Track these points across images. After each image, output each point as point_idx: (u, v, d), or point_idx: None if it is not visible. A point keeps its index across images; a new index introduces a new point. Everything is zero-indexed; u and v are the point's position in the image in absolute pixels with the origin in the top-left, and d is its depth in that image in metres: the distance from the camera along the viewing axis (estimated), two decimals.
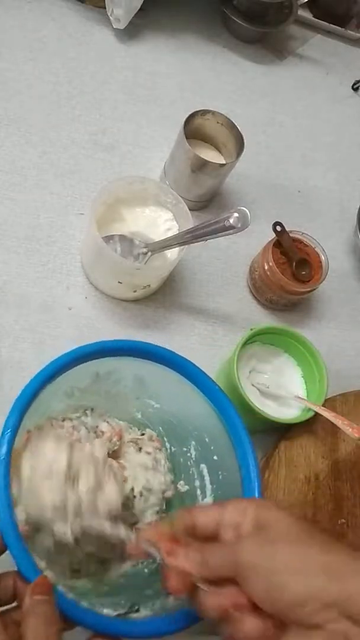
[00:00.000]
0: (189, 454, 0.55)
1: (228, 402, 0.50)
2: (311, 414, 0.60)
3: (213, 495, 0.52)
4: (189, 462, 0.55)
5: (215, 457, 0.52)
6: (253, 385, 0.63)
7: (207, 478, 0.53)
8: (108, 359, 0.49)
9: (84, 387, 0.52)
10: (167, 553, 0.38)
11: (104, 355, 0.49)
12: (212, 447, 0.52)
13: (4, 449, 0.41)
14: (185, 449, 0.55)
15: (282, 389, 0.63)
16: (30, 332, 0.61)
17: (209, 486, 0.53)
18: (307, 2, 0.91)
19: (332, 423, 0.58)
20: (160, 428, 0.56)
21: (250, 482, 0.47)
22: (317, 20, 0.95)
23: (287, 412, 0.62)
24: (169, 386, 0.52)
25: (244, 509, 0.38)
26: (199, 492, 0.53)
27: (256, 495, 0.46)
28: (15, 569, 0.39)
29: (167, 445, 0.56)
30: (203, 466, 0.53)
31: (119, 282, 0.62)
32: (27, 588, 0.37)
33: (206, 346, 0.67)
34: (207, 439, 0.53)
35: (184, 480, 0.54)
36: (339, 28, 0.95)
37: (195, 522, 0.39)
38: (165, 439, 0.56)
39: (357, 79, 0.94)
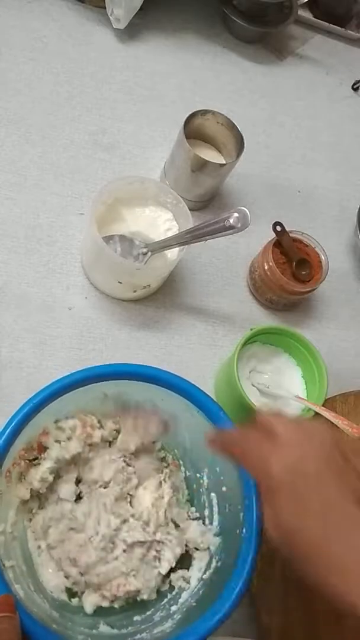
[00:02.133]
0: (201, 481, 0.54)
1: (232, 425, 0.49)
2: (311, 414, 0.60)
3: (219, 526, 0.52)
4: (201, 489, 0.55)
5: (224, 489, 0.52)
6: (253, 385, 0.63)
7: (215, 508, 0.53)
8: (115, 382, 0.49)
9: (97, 409, 0.53)
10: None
11: (110, 379, 0.49)
12: (222, 478, 0.52)
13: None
14: (198, 475, 0.55)
15: (282, 389, 0.63)
16: (30, 332, 0.61)
17: (216, 516, 0.53)
18: (307, 2, 0.91)
19: (332, 423, 0.58)
20: (176, 451, 0.56)
21: (251, 517, 0.46)
22: (317, 20, 0.95)
23: (287, 412, 0.62)
24: (180, 412, 0.51)
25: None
26: (207, 521, 0.53)
27: (254, 528, 0.46)
28: None
29: (183, 469, 0.56)
30: (213, 495, 0.53)
31: (119, 282, 0.62)
32: None
33: (206, 346, 0.67)
34: (218, 469, 0.52)
35: (196, 507, 0.55)
36: (339, 28, 0.95)
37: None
38: (180, 462, 0.56)
39: (357, 79, 0.94)
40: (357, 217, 0.78)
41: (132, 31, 0.82)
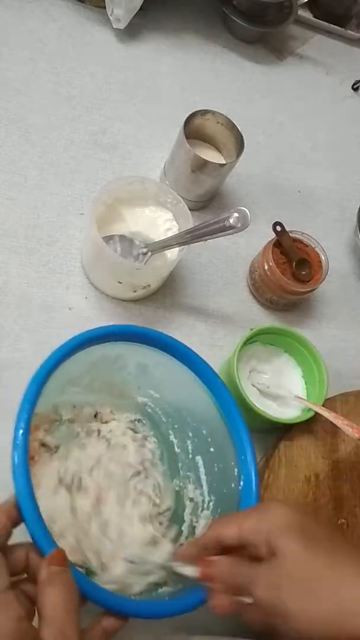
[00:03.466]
0: (186, 445, 0.56)
1: (228, 393, 0.51)
2: (311, 414, 0.60)
3: (208, 487, 0.53)
4: (183, 454, 0.56)
5: (212, 449, 0.53)
6: (253, 385, 0.63)
7: (201, 470, 0.54)
8: (115, 344, 0.50)
9: (87, 382, 0.53)
10: (201, 574, 0.42)
11: (111, 340, 0.50)
12: (209, 439, 0.53)
13: (21, 431, 0.42)
14: (182, 441, 0.56)
15: (282, 389, 0.63)
16: (30, 332, 0.61)
17: (203, 477, 0.54)
18: (307, 2, 0.91)
19: (332, 423, 0.58)
20: (164, 419, 0.57)
21: (248, 470, 0.49)
22: (317, 20, 0.95)
23: (287, 412, 0.62)
24: (171, 375, 0.53)
25: (257, 531, 0.40)
26: (190, 486, 0.54)
27: (253, 485, 0.48)
28: (29, 540, 0.40)
29: (172, 437, 0.57)
30: (198, 458, 0.54)
31: (119, 282, 0.62)
32: (43, 560, 0.38)
33: (206, 346, 0.67)
34: (204, 431, 0.53)
35: (182, 470, 0.55)
36: (339, 28, 0.96)
37: (220, 537, 0.42)
38: (170, 431, 0.57)
39: (357, 79, 0.94)
40: (357, 217, 0.78)
41: (132, 31, 0.83)
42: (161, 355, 0.52)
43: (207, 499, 0.52)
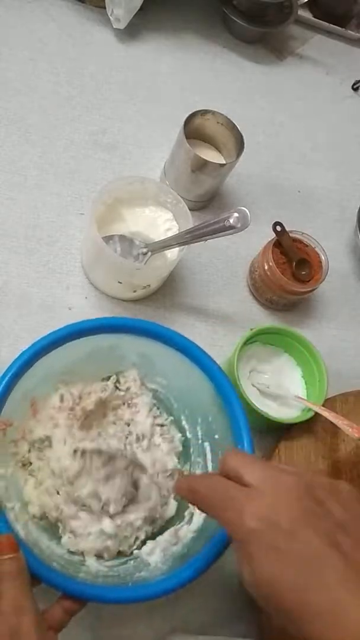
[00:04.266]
0: (196, 430, 0.56)
1: (226, 381, 0.51)
2: (311, 414, 0.60)
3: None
4: (194, 440, 0.57)
5: (216, 436, 0.54)
6: (253, 385, 0.63)
7: (208, 456, 0.55)
8: (107, 335, 0.51)
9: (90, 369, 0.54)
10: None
11: (102, 332, 0.51)
12: (213, 426, 0.54)
13: None
14: (193, 426, 0.57)
15: (282, 389, 0.63)
16: (30, 332, 0.61)
17: (210, 465, 0.55)
18: (307, 2, 0.91)
19: (332, 423, 0.58)
20: (175, 404, 0.57)
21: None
22: (317, 20, 0.95)
23: (287, 412, 0.62)
24: (173, 364, 0.54)
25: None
26: (199, 472, 0.55)
27: None
28: None
29: (184, 422, 0.57)
30: (206, 444, 0.55)
31: (119, 282, 0.62)
32: None
33: (206, 346, 0.65)
34: (210, 418, 0.54)
35: (193, 456, 0.56)
36: (339, 28, 0.95)
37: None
38: (182, 416, 0.57)
39: (357, 79, 0.94)
40: (357, 217, 0.78)
41: (132, 31, 0.82)
42: (159, 345, 0.52)
43: None
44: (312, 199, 0.81)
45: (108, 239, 0.62)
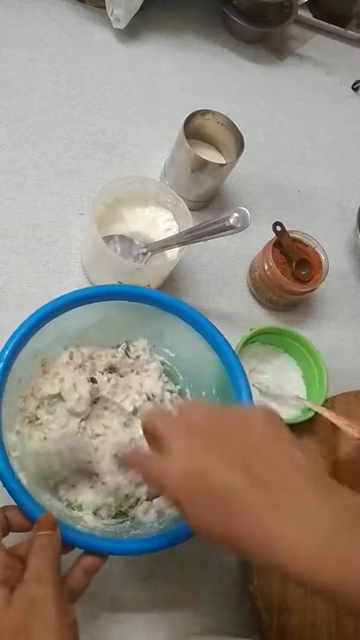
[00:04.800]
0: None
1: (233, 356, 0.52)
2: (311, 414, 0.60)
3: None
4: None
5: None
6: (253, 385, 0.63)
7: None
8: (118, 303, 0.52)
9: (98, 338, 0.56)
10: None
11: (112, 298, 0.52)
12: (218, 400, 0.54)
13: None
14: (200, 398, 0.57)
15: (282, 389, 0.63)
16: None
17: None
18: (307, 2, 0.91)
19: (332, 423, 0.58)
20: (181, 377, 0.58)
21: None
22: (317, 20, 0.95)
23: (287, 412, 0.62)
24: (181, 336, 0.54)
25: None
26: None
27: None
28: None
29: (188, 396, 0.58)
30: None
31: (119, 282, 0.62)
32: (35, 525, 0.42)
33: None
34: (214, 391, 0.54)
35: None
36: (339, 28, 0.95)
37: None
38: (187, 389, 0.58)
39: (357, 79, 0.94)
40: (357, 217, 0.78)
41: (132, 31, 0.82)
42: (169, 316, 0.53)
43: None
44: (312, 199, 0.81)
45: (108, 239, 0.62)
